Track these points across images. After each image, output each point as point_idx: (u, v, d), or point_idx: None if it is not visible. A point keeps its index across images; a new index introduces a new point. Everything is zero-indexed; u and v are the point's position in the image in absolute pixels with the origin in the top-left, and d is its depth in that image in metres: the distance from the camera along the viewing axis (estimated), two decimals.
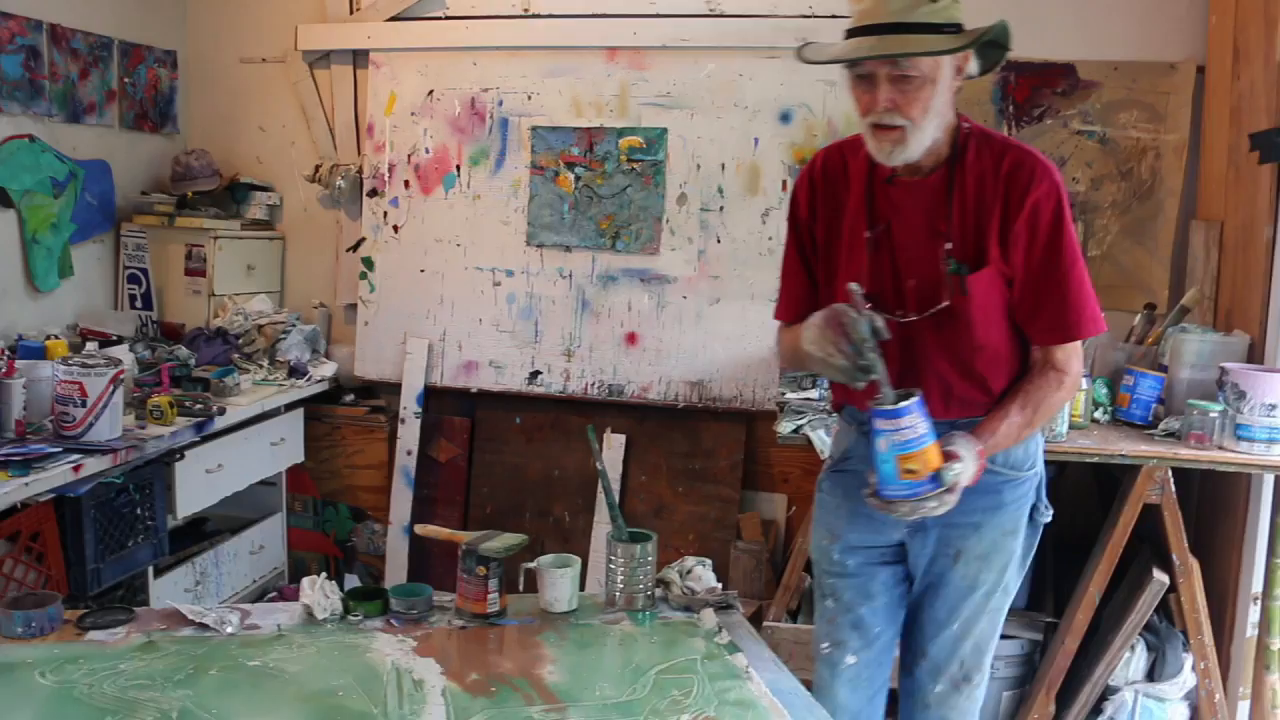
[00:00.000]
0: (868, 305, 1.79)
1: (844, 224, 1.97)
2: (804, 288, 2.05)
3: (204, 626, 1.85)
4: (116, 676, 1.65)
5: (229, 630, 1.84)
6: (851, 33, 1.77)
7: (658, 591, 2.04)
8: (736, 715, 1.61)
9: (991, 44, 1.80)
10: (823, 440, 2.78)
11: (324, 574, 2.01)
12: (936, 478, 1.73)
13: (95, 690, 1.61)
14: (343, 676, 1.69)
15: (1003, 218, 1.84)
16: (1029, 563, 2.08)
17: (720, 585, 2.09)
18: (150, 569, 3.08)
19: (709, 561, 2.14)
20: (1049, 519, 2.04)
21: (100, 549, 2.81)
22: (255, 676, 1.68)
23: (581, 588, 2.04)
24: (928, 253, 1.89)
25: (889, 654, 2.14)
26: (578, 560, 2.02)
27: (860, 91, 1.79)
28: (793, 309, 2.06)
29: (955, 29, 1.74)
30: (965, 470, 1.76)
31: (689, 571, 2.08)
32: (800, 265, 2.06)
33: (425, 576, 3.81)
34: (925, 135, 1.79)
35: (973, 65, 1.82)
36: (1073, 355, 1.90)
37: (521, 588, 2.03)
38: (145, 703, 1.57)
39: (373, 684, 1.66)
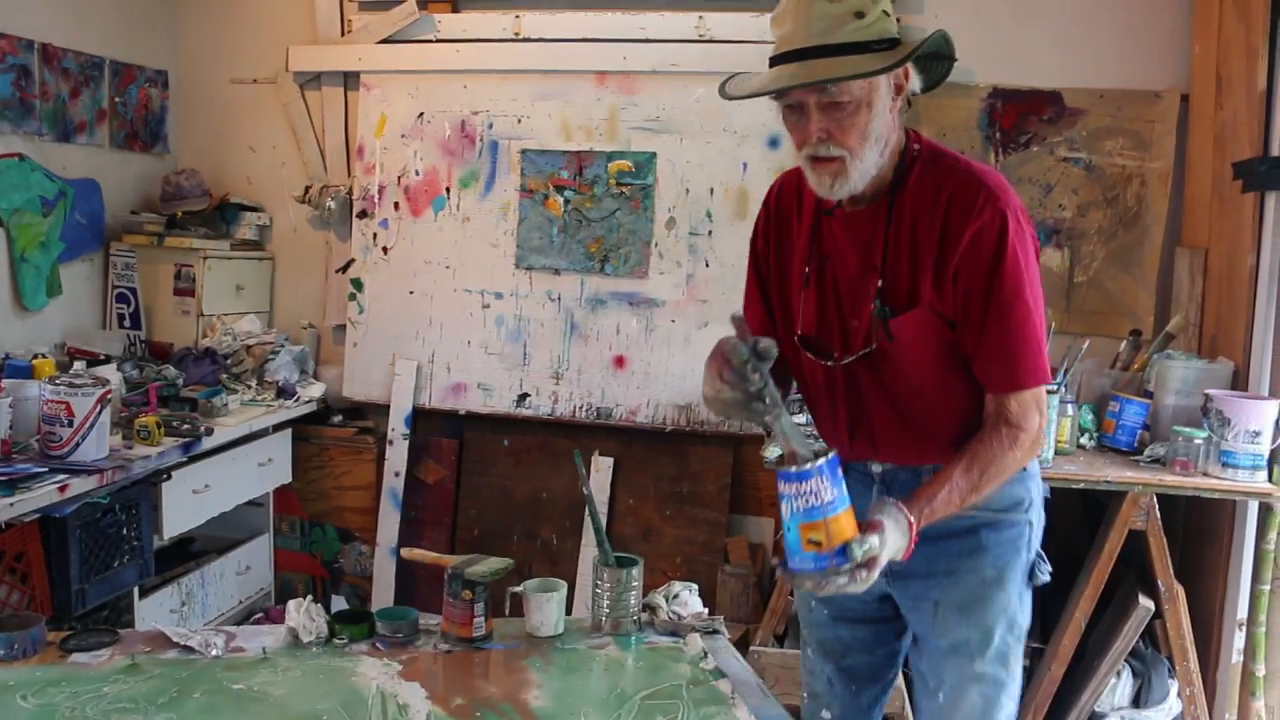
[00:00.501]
0: (792, 344, 1.71)
1: (794, 256, 1.84)
2: (762, 319, 1.91)
3: (189, 649, 1.84)
4: (99, 699, 1.65)
5: (214, 653, 1.83)
6: (775, 60, 1.61)
7: (644, 616, 2.04)
8: None
9: (935, 56, 1.66)
10: None
11: (310, 595, 2.00)
12: (845, 551, 1.48)
13: (78, 713, 1.60)
14: (327, 700, 1.68)
15: (939, 253, 1.65)
16: (1025, 634, 1.86)
17: (706, 610, 2.09)
18: (136, 590, 3.06)
19: (695, 586, 2.14)
20: (1047, 580, 1.83)
21: (85, 569, 2.79)
22: (239, 700, 1.68)
23: (569, 610, 2.04)
24: (864, 290, 1.73)
25: (876, 711, 2.02)
26: (564, 585, 2.02)
27: (792, 123, 1.64)
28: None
29: (888, 45, 1.57)
30: (887, 545, 1.52)
31: (675, 596, 2.08)
32: (759, 295, 1.93)
33: (412, 598, 3.80)
34: (867, 164, 1.63)
35: (915, 82, 1.65)
36: (1029, 409, 1.66)
37: (508, 611, 2.03)
38: None
39: (358, 708, 1.66)
